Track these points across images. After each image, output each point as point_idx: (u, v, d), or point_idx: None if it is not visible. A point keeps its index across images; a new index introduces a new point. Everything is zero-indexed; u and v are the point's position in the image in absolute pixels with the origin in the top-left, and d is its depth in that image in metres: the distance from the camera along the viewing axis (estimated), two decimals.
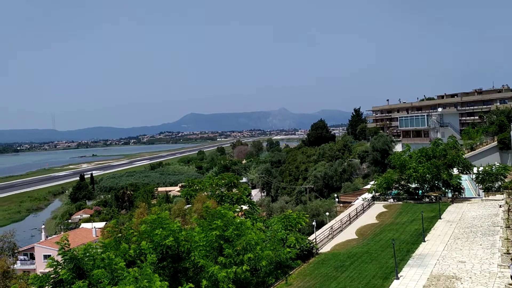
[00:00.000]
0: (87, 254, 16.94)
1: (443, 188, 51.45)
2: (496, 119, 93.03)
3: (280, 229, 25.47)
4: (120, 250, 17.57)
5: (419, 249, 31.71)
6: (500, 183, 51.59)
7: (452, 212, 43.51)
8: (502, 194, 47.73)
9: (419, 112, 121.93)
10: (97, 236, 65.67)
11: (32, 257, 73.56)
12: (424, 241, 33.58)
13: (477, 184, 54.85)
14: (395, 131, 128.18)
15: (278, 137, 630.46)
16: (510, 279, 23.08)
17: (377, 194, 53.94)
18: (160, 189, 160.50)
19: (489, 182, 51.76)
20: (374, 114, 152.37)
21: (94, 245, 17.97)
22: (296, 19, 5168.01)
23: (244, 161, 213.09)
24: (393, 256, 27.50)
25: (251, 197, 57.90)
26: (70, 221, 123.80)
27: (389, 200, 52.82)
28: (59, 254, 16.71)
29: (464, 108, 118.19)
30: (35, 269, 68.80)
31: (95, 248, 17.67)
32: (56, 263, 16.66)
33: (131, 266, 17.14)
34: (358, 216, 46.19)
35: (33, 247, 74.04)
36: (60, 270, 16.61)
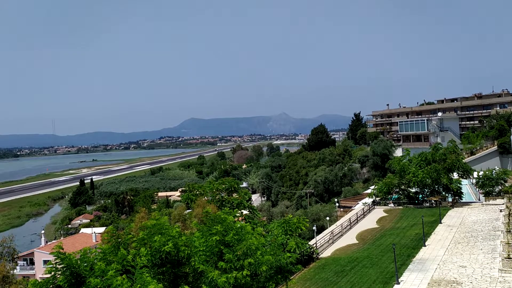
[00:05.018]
0: (85, 260, 16.91)
1: (443, 193, 51.44)
2: (496, 123, 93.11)
3: (280, 234, 25.41)
4: (118, 256, 17.52)
5: (419, 254, 31.66)
6: (500, 187, 51.54)
7: (453, 216, 43.46)
8: (503, 198, 47.67)
9: (419, 116, 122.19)
10: (97, 241, 65.55)
11: (31, 263, 73.40)
12: (425, 246, 33.53)
13: (477, 189, 54.81)
14: (395, 135, 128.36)
15: (278, 141, 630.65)
16: None
17: (377, 198, 53.93)
18: (160, 194, 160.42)
19: (489, 187, 51.68)
20: (374, 119, 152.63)
21: (93, 251, 17.92)
22: (296, 24, 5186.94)
23: (244, 166, 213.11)
24: (393, 261, 27.44)
25: (252, 202, 57.79)
26: (70, 226, 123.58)
27: (390, 205, 52.79)
28: (55, 261, 16.70)
29: (464, 112, 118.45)
30: (34, 274, 68.64)
31: (91, 253, 17.63)
32: (55, 268, 16.63)
33: (130, 272, 17.09)
34: (359, 221, 46.13)
35: (32, 253, 73.90)
36: (58, 276, 16.60)
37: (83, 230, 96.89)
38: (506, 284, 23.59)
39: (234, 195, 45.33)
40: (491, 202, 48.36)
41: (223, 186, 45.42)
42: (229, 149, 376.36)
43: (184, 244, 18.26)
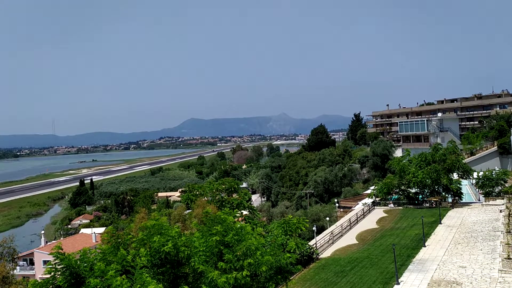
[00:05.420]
0: (84, 260, 16.89)
1: (443, 193, 51.43)
2: (496, 124, 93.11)
3: (280, 234, 25.34)
4: (118, 256, 17.52)
5: (419, 254, 31.65)
6: (500, 188, 51.56)
7: (453, 217, 43.46)
8: (503, 199, 47.70)
9: (419, 117, 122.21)
10: (97, 242, 65.53)
11: (31, 263, 73.34)
12: (425, 246, 33.53)
13: (477, 189, 54.81)
14: (395, 136, 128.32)
15: (278, 142, 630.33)
16: None
17: (377, 199, 53.93)
18: (160, 194, 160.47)
19: (489, 187, 51.72)
20: (374, 119, 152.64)
21: (93, 251, 17.90)
22: (297, 24, 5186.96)
23: (244, 166, 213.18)
24: (393, 261, 27.44)
25: (251, 202, 57.76)
26: (69, 226, 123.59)
27: (390, 205, 52.79)
28: (55, 262, 16.68)
29: (463, 113, 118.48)
30: (34, 274, 68.62)
31: (91, 253, 17.61)
32: (54, 269, 16.62)
33: (130, 273, 17.08)
34: (359, 221, 46.13)
35: (32, 253, 73.82)
36: (58, 276, 16.59)
37: (83, 230, 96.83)
38: (506, 285, 23.59)
39: (234, 195, 45.33)
40: (491, 202, 48.37)
41: (223, 186, 45.42)
42: (229, 150, 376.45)
43: (184, 244, 18.25)
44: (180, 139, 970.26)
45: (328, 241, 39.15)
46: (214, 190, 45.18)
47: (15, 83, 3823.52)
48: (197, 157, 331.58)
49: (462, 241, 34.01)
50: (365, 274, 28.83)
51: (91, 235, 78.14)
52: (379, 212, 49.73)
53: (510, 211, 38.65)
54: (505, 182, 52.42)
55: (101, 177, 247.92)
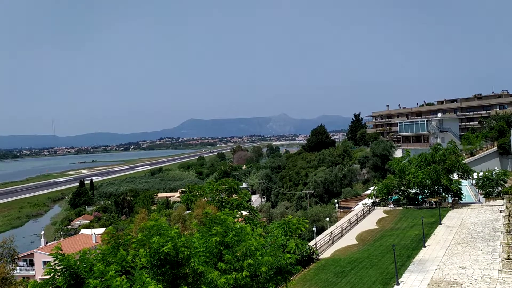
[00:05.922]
0: (84, 261, 16.88)
1: (443, 194, 51.41)
2: (496, 124, 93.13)
3: (280, 234, 25.34)
4: (118, 257, 17.49)
5: (419, 255, 31.65)
6: (500, 188, 51.55)
7: (453, 217, 43.46)
8: (503, 199, 47.71)
9: (418, 117, 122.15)
10: (97, 242, 65.53)
11: (31, 263, 73.36)
12: (425, 247, 33.52)
13: (477, 190, 54.80)
14: (395, 136, 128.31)
15: (278, 142, 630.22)
16: None
17: (377, 199, 53.91)
18: (160, 195, 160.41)
19: (489, 188, 51.70)
20: (374, 120, 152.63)
21: (92, 252, 17.88)
22: (297, 24, 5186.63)
23: (244, 167, 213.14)
24: (393, 262, 27.43)
25: (251, 203, 57.74)
26: (69, 227, 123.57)
27: (389, 206, 52.78)
28: (54, 262, 16.67)
29: (463, 113, 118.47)
30: (34, 275, 68.59)
31: (91, 254, 17.60)
32: (54, 270, 16.60)
33: (130, 273, 17.06)
34: (359, 222, 46.12)
35: (32, 253, 73.82)
36: (57, 277, 16.56)
37: (82, 231, 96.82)
38: (506, 285, 23.59)
39: (234, 196, 45.29)
40: (491, 203, 48.36)
41: (223, 187, 45.36)
42: (229, 150, 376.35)
43: (184, 245, 18.23)
44: (180, 140, 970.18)
45: (328, 241, 39.14)
46: (214, 191, 45.13)
47: (15, 83, 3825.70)
48: (197, 157, 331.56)
49: (462, 241, 34.01)
50: (365, 274, 28.83)
51: (91, 235, 78.13)
52: (379, 213, 49.72)
53: (510, 211, 38.65)
54: (505, 182, 52.41)
55: (101, 178, 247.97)
